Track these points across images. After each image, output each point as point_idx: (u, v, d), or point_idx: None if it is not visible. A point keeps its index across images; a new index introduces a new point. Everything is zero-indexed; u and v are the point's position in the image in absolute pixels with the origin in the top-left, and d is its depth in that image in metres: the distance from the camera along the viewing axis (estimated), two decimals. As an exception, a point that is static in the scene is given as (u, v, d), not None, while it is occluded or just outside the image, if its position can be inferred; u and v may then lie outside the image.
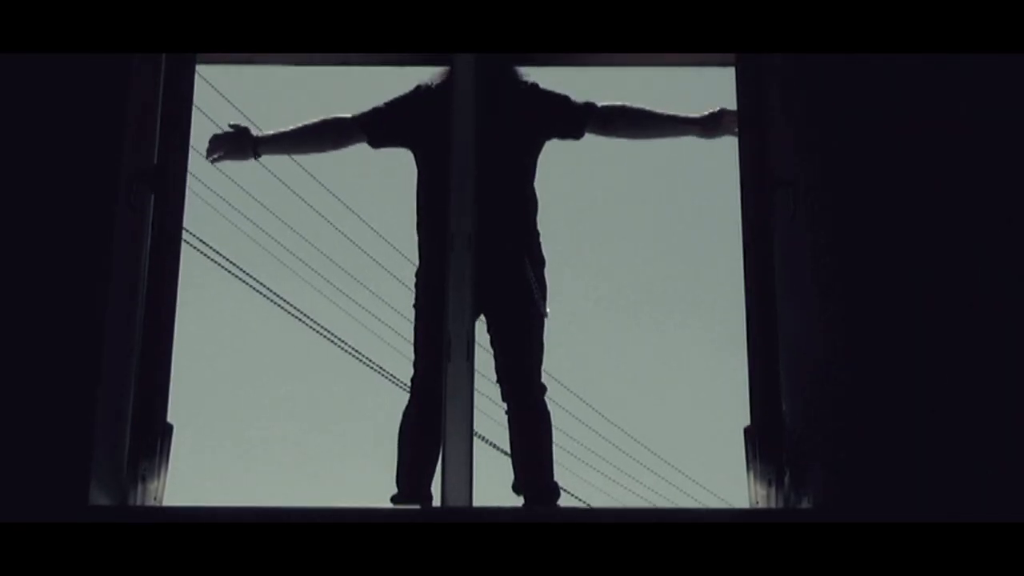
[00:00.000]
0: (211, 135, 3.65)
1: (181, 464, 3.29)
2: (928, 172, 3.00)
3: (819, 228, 2.99)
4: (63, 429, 2.83)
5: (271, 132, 3.67)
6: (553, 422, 3.66)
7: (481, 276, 3.28)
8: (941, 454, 2.80)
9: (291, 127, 3.67)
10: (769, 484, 3.09)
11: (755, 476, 3.13)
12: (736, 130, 3.42)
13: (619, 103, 3.67)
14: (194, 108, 3.41)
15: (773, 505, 3.07)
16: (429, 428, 3.31)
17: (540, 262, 3.61)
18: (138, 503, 3.07)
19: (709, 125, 3.61)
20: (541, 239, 3.63)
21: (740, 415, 3.18)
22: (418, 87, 3.62)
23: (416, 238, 3.60)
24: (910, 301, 2.91)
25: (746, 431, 3.16)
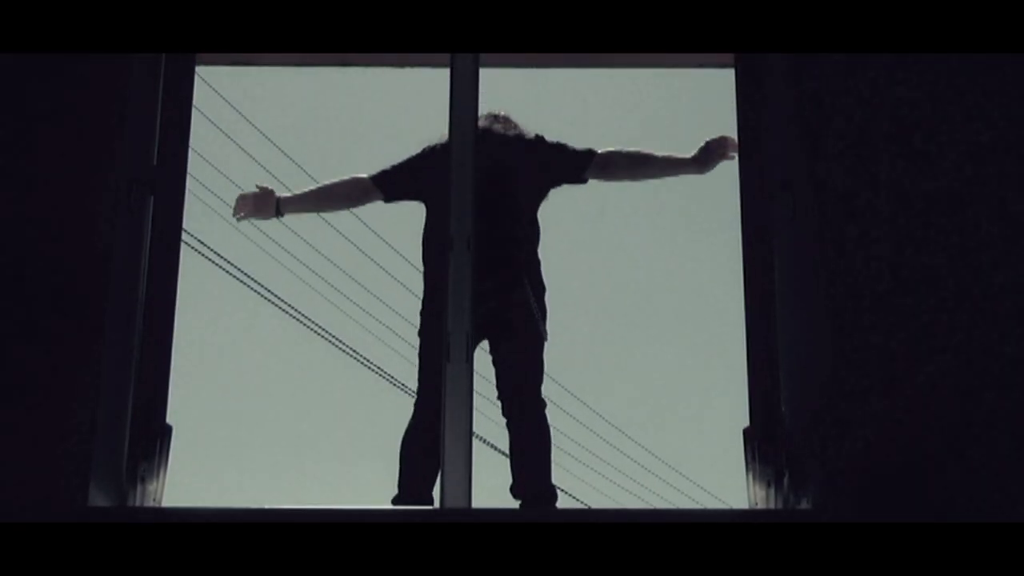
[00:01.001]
0: (238, 195, 3.93)
1: (181, 464, 3.29)
2: (928, 172, 3.00)
3: (819, 229, 2.99)
4: (63, 429, 2.83)
5: (293, 193, 3.93)
6: (553, 425, 3.73)
7: (484, 303, 3.40)
8: (940, 455, 2.81)
9: (312, 187, 3.97)
10: (768, 485, 3.10)
11: (754, 477, 3.13)
12: (729, 155, 3.63)
13: (617, 149, 3.83)
14: (194, 109, 3.42)
15: (772, 506, 3.07)
16: (430, 447, 3.33)
17: (541, 288, 3.76)
18: (137, 504, 3.07)
19: (701, 159, 3.77)
20: (542, 267, 3.79)
21: (739, 416, 3.19)
22: (425, 149, 3.84)
23: (422, 269, 3.76)
24: (910, 301, 2.91)
25: (745, 432, 3.16)
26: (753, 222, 3.28)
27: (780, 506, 3.04)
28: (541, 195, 3.81)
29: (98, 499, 2.87)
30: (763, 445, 3.12)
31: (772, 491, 3.08)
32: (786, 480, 3.05)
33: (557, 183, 3.83)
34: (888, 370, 2.86)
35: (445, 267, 3.24)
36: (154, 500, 3.11)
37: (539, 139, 3.83)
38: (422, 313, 3.73)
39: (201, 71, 3.49)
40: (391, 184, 3.86)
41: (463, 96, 3.39)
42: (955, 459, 2.80)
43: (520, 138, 3.83)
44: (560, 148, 3.81)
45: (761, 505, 3.11)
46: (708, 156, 3.76)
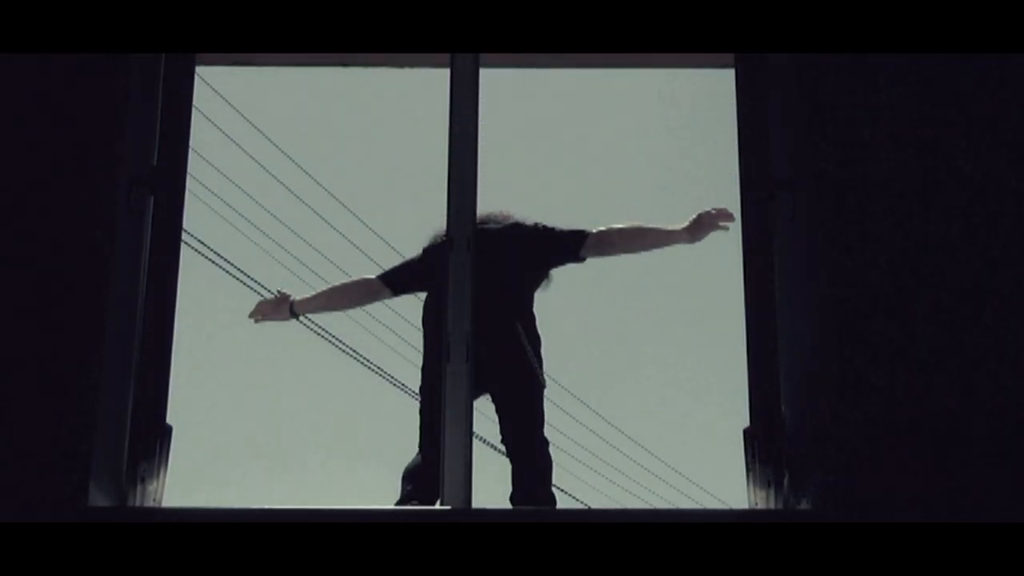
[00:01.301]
0: (258, 301, 4.24)
1: (181, 464, 3.29)
2: (928, 172, 3.00)
3: (819, 228, 2.99)
4: (63, 429, 2.83)
5: (306, 296, 4.22)
6: (553, 424, 3.84)
7: (486, 363, 3.53)
8: (939, 455, 2.81)
9: (323, 290, 4.28)
10: (768, 485, 3.10)
11: (754, 477, 3.13)
12: (720, 225, 3.82)
13: (610, 227, 3.98)
14: (194, 109, 3.41)
15: (772, 506, 3.07)
16: (433, 478, 3.37)
17: (536, 340, 3.93)
18: (137, 504, 3.07)
19: (692, 229, 3.91)
20: (537, 321, 3.98)
21: (739, 416, 3.18)
22: (425, 248, 4.07)
23: (422, 330, 3.96)
24: (910, 302, 2.91)
25: (745, 432, 3.16)
26: (753, 222, 3.28)
27: (780, 506, 3.04)
28: (539, 277, 4.02)
29: (98, 499, 2.87)
30: (763, 445, 3.12)
31: (772, 491, 3.08)
32: (786, 480, 3.05)
33: (555, 265, 4.02)
34: (888, 370, 2.86)
35: (443, 340, 3.27)
36: (154, 500, 3.11)
37: (535, 226, 4.02)
38: (423, 371, 3.88)
39: (201, 71, 3.49)
40: (398, 283, 4.13)
41: (463, 96, 3.39)
42: (955, 459, 2.80)
43: (517, 226, 4.02)
44: (555, 233, 4.00)
45: (761, 505, 3.11)
46: (699, 227, 3.90)
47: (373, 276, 4.15)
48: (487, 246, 3.70)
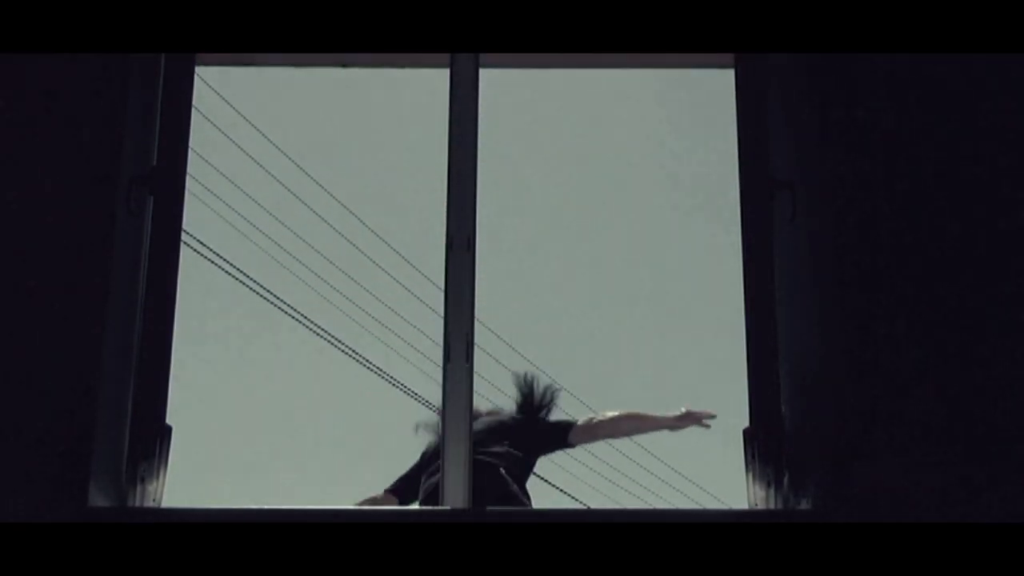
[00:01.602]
0: None
1: (181, 464, 3.29)
2: (928, 172, 3.00)
3: (819, 229, 3.00)
4: (63, 430, 2.83)
5: None
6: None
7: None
8: (940, 455, 2.80)
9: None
10: (768, 485, 3.10)
11: (754, 477, 3.13)
12: (703, 423, 4.14)
13: (592, 415, 4.23)
14: (194, 109, 3.41)
15: (772, 506, 3.07)
16: None
17: (527, 498, 4.05)
18: (137, 504, 3.07)
19: (679, 419, 4.20)
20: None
21: (739, 416, 3.18)
22: (423, 454, 4.24)
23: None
24: (910, 302, 2.91)
25: (745, 432, 3.16)
26: (753, 222, 3.28)
27: (780, 506, 3.04)
28: (531, 465, 4.16)
29: (98, 499, 2.87)
30: (763, 445, 3.12)
31: (772, 491, 3.08)
32: (786, 480, 3.05)
33: (546, 454, 4.23)
34: (888, 370, 2.86)
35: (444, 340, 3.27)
36: (154, 500, 3.11)
37: (524, 421, 4.18)
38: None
39: (201, 71, 3.49)
40: (405, 495, 4.26)
41: (463, 96, 3.39)
42: (956, 459, 2.80)
43: (509, 421, 4.19)
44: (544, 426, 4.20)
45: (761, 505, 3.11)
46: (685, 419, 4.17)
47: (380, 493, 4.27)
48: (477, 443, 3.76)
